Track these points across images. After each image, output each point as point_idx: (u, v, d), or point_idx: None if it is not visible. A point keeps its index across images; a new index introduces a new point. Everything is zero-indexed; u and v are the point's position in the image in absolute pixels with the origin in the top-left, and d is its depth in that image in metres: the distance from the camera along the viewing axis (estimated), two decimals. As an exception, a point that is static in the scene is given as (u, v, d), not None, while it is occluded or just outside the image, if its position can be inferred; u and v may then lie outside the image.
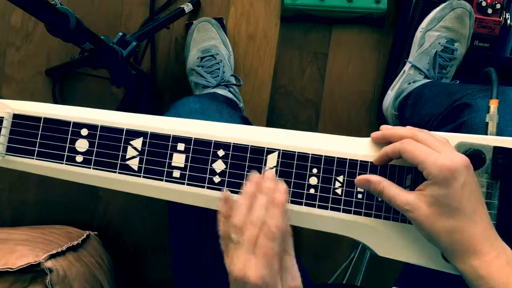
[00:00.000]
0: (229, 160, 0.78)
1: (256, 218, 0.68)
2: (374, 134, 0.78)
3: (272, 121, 1.65)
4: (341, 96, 1.65)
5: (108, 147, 0.79)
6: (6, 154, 0.80)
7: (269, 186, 0.71)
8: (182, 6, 1.54)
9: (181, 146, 0.78)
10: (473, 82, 1.17)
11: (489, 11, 1.46)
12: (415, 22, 1.53)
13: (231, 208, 0.71)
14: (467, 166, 0.68)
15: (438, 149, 0.69)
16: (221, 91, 1.44)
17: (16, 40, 1.65)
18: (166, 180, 0.78)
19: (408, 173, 0.76)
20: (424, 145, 0.70)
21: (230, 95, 1.46)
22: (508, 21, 1.48)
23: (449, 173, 0.66)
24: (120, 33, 1.29)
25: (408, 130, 0.74)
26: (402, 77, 1.48)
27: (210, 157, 0.78)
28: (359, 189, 0.77)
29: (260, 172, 0.77)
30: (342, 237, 0.80)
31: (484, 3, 1.46)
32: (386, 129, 0.77)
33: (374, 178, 0.74)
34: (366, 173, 0.77)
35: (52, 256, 1.17)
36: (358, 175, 0.77)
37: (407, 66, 1.48)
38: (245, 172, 0.78)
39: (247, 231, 0.67)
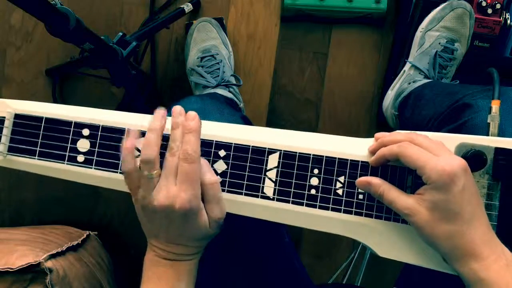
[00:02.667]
0: (230, 161, 0.78)
1: (174, 148, 0.72)
2: (371, 147, 0.77)
3: (272, 121, 1.65)
4: (341, 96, 1.65)
5: (109, 147, 0.78)
6: (7, 154, 0.80)
7: (179, 120, 0.74)
8: (182, 6, 1.54)
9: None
10: (473, 82, 1.17)
11: (489, 11, 1.46)
12: (415, 22, 1.53)
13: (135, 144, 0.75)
14: (465, 169, 0.68)
15: (436, 152, 0.69)
16: (221, 91, 1.44)
17: (16, 40, 1.65)
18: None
19: (409, 174, 0.75)
20: (422, 149, 0.70)
21: (230, 95, 1.46)
22: (508, 21, 1.48)
23: (449, 178, 0.66)
24: (120, 33, 1.29)
25: (405, 135, 0.74)
26: (402, 77, 1.48)
27: (212, 158, 0.78)
28: (360, 190, 0.77)
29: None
30: (342, 237, 0.80)
31: (484, 3, 1.46)
32: (383, 137, 0.76)
33: (375, 180, 0.74)
34: (367, 174, 0.77)
35: (52, 256, 1.18)
36: (359, 176, 0.77)
37: (407, 66, 1.48)
38: (246, 173, 0.78)
39: (167, 161, 0.71)
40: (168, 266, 0.77)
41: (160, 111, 0.76)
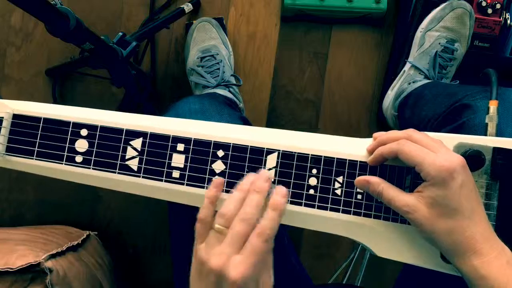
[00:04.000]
0: (229, 161, 0.78)
1: (248, 215, 0.67)
2: (369, 147, 0.77)
3: (272, 121, 1.65)
4: (341, 96, 1.65)
5: (107, 147, 0.79)
6: (5, 154, 0.80)
7: (263, 186, 0.70)
8: (182, 6, 1.54)
9: (180, 147, 0.78)
10: (473, 82, 1.17)
11: (489, 11, 1.46)
12: (415, 22, 1.53)
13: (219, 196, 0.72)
14: (464, 166, 0.68)
15: (434, 149, 0.69)
16: (221, 91, 1.44)
17: (16, 40, 1.65)
18: (165, 181, 0.78)
19: (407, 174, 0.76)
20: (420, 146, 0.70)
21: (230, 95, 1.46)
22: (508, 21, 1.48)
23: (447, 174, 0.66)
24: (120, 33, 1.29)
25: (403, 132, 0.74)
26: (402, 77, 1.48)
27: (210, 158, 0.78)
28: (358, 190, 0.77)
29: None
30: (342, 237, 0.80)
31: (484, 3, 1.46)
32: (380, 136, 0.76)
33: (374, 179, 0.74)
34: (366, 174, 0.77)
35: (52, 256, 1.18)
36: (358, 175, 0.77)
37: (407, 66, 1.48)
38: (245, 173, 0.78)
39: (236, 226, 0.66)
40: None
41: (252, 174, 0.72)
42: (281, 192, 0.70)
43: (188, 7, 1.55)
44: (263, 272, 0.67)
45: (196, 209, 0.78)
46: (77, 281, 1.23)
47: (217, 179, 0.74)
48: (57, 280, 1.14)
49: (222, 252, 0.65)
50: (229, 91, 1.47)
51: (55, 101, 1.61)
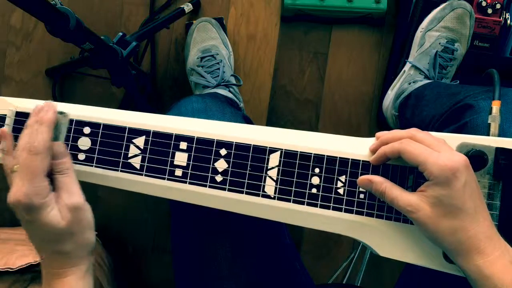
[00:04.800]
0: (231, 159, 0.77)
1: (21, 143, 0.69)
2: (372, 146, 0.77)
3: (272, 121, 1.65)
4: (341, 96, 1.65)
5: (110, 145, 0.78)
6: (8, 152, 0.80)
7: (34, 117, 0.72)
8: (182, 6, 1.54)
9: (183, 145, 0.78)
10: (473, 82, 1.17)
11: (489, 11, 1.46)
12: (415, 22, 1.53)
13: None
14: (467, 165, 0.68)
15: (437, 148, 0.69)
16: (221, 91, 1.44)
17: (16, 40, 1.65)
18: (168, 179, 0.78)
19: (410, 174, 0.75)
20: (423, 145, 0.70)
21: (230, 95, 1.46)
22: (508, 21, 1.48)
23: (451, 173, 0.66)
24: (120, 33, 1.29)
25: (406, 131, 0.74)
26: (402, 77, 1.48)
27: (213, 156, 0.77)
28: (361, 189, 0.77)
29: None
30: (342, 237, 0.80)
31: (484, 3, 1.46)
32: (383, 135, 0.76)
33: (377, 178, 0.74)
34: (368, 173, 0.77)
35: (52, 256, 1.17)
36: (360, 175, 0.77)
37: (407, 66, 1.48)
38: (247, 172, 0.77)
39: (20, 157, 0.68)
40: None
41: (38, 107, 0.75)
42: (46, 108, 0.73)
43: (188, 7, 1.55)
44: (56, 191, 0.70)
45: (198, 208, 0.79)
46: (77, 281, 1.23)
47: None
48: (57, 280, 1.14)
49: (12, 183, 0.68)
50: (229, 91, 1.47)
51: (55, 101, 1.60)
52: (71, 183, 0.72)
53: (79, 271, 0.73)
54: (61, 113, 0.77)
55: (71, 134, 0.79)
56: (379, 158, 0.75)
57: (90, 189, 1.64)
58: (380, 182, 0.73)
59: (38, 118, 0.71)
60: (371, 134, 0.79)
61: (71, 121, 0.79)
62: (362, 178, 0.75)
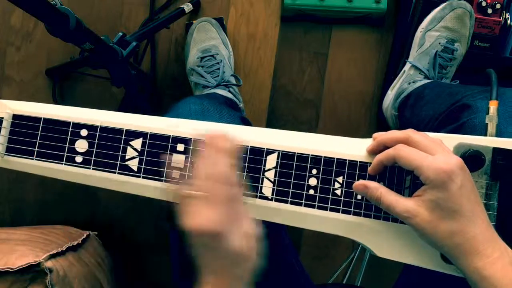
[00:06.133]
0: (229, 161, 0.78)
1: (201, 170, 0.68)
2: (369, 147, 0.77)
3: (272, 121, 1.65)
4: (341, 96, 1.65)
5: (107, 147, 0.79)
6: (5, 154, 0.80)
7: (213, 141, 0.71)
8: (182, 6, 1.54)
9: (180, 147, 0.78)
10: (473, 82, 1.17)
11: (489, 11, 1.46)
12: (415, 22, 1.53)
13: None
14: (463, 167, 0.68)
15: (433, 151, 0.69)
16: (221, 91, 1.44)
17: (16, 40, 1.65)
18: (165, 181, 0.78)
19: (407, 175, 0.76)
20: (417, 150, 0.70)
21: (230, 96, 1.46)
22: (508, 21, 1.48)
23: (446, 176, 0.66)
24: (120, 33, 1.29)
25: (403, 132, 0.74)
26: (402, 77, 1.48)
27: (210, 158, 0.78)
28: (358, 191, 0.77)
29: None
30: (341, 237, 0.80)
31: (484, 3, 1.46)
32: (379, 136, 0.76)
33: (372, 184, 0.74)
34: (366, 174, 0.77)
35: (52, 256, 1.17)
36: (358, 176, 0.77)
37: (407, 66, 1.48)
38: (245, 173, 0.78)
39: (196, 183, 0.68)
40: None
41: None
42: (223, 136, 0.71)
43: (188, 7, 1.55)
44: (237, 220, 0.69)
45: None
46: (77, 281, 1.23)
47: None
48: (57, 280, 1.14)
49: (192, 210, 0.66)
50: (229, 91, 1.47)
51: (55, 101, 1.61)
52: (247, 211, 0.71)
53: None
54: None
55: (68, 137, 0.79)
56: (376, 167, 0.75)
57: (90, 190, 1.65)
58: (375, 188, 0.73)
59: (219, 147, 0.70)
60: (371, 134, 0.79)
61: (67, 123, 0.79)
62: (358, 184, 0.75)
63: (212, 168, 0.68)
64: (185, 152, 0.78)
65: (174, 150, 0.78)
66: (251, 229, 0.70)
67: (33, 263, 1.11)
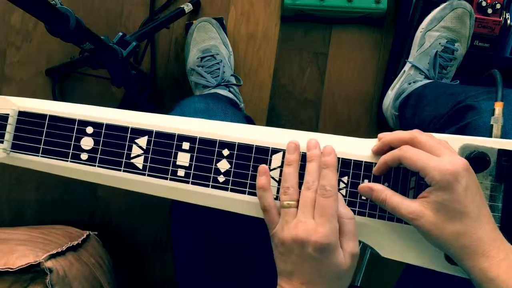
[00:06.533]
0: (234, 160, 0.77)
1: (310, 183, 0.72)
2: (374, 147, 0.77)
3: (272, 121, 1.65)
4: (341, 96, 1.65)
5: (113, 145, 0.78)
6: (11, 151, 0.80)
7: (315, 153, 0.75)
8: (182, 6, 1.54)
9: (186, 145, 0.78)
10: (473, 82, 1.17)
11: (489, 11, 1.47)
12: (415, 22, 1.53)
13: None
14: (468, 168, 0.68)
15: (438, 152, 0.69)
16: (221, 91, 1.44)
17: (16, 40, 1.65)
18: (170, 179, 0.78)
19: (412, 176, 0.75)
20: (423, 151, 0.70)
21: (230, 96, 1.46)
22: (508, 21, 1.48)
23: (452, 177, 0.66)
24: (120, 33, 1.29)
25: (409, 132, 0.74)
26: (402, 77, 1.48)
27: (215, 157, 0.77)
28: (363, 191, 0.77)
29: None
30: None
31: (484, 3, 1.46)
32: (385, 136, 0.76)
33: (377, 186, 0.74)
34: (371, 174, 0.77)
35: (52, 256, 1.17)
36: (363, 176, 0.77)
37: (407, 66, 1.48)
38: (250, 172, 0.77)
39: (304, 195, 0.71)
40: None
41: (292, 144, 0.77)
42: (327, 150, 0.75)
43: (188, 7, 1.55)
44: (339, 235, 0.72)
45: (200, 207, 0.79)
46: (77, 281, 1.23)
47: (262, 167, 0.77)
48: (57, 280, 1.14)
49: (298, 222, 0.70)
50: (229, 91, 1.47)
51: (55, 101, 1.61)
52: (352, 230, 0.74)
53: None
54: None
55: (74, 134, 0.79)
56: (381, 168, 0.75)
57: (90, 189, 1.64)
58: (381, 190, 0.73)
59: (324, 161, 0.74)
60: (371, 134, 0.79)
61: (73, 120, 0.79)
62: (363, 186, 0.75)
63: (324, 182, 0.72)
64: (190, 150, 0.78)
65: (179, 149, 0.78)
66: (355, 248, 0.73)
67: (33, 263, 1.11)
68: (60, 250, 1.22)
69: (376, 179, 0.77)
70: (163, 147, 0.78)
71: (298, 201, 0.72)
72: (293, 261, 0.71)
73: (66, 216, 1.66)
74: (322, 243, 0.68)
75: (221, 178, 0.78)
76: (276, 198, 0.76)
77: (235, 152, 0.78)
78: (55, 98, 1.61)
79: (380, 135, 0.77)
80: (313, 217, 0.70)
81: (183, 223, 0.93)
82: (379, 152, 0.76)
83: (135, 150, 0.78)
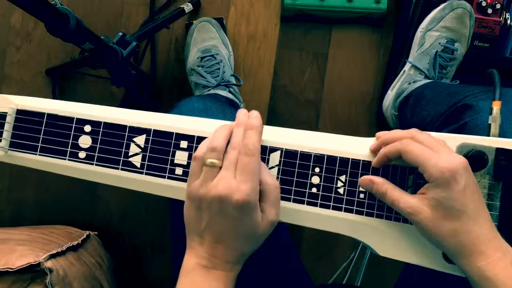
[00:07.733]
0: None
1: (236, 144, 0.71)
2: (372, 146, 0.77)
3: (272, 121, 1.65)
4: (341, 96, 1.65)
5: (111, 143, 0.79)
6: (9, 149, 0.80)
7: (242, 119, 0.75)
8: (182, 6, 1.54)
9: (184, 144, 0.78)
10: (473, 82, 1.17)
11: (489, 11, 1.46)
12: (415, 22, 1.53)
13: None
14: (466, 167, 0.68)
15: (437, 150, 0.69)
16: (221, 92, 1.44)
17: (16, 40, 1.65)
18: (168, 177, 0.78)
19: (410, 174, 0.76)
20: (423, 146, 0.70)
21: (230, 96, 1.46)
22: (508, 21, 1.48)
23: (450, 175, 0.66)
24: (120, 33, 1.29)
25: (407, 131, 0.74)
26: (402, 77, 1.48)
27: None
28: (361, 189, 0.77)
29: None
30: (342, 237, 0.80)
31: (484, 3, 1.46)
32: (383, 135, 0.76)
33: (378, 179, 0.74)
34: (369, 173, 0.77)
35: (52, 256, 1.17)
36: (361, 175, 0.77)
37: (407, 66, 1.48)
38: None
39: (229, 154, 0.70)
40: (204, 276, 0.73)
41: (243, 111, 0.78)
42: (252, 114, 0.76)
43: (188, 7, 1.55)
44: (262, 201, 0.72)
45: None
46: (77, 281, 1.23)
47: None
48: (57, 280, 1.14)
49: (221, 178, 0.69)
50: (229, 91, 1.47)
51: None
52: (278, 198, 0.74)
53: (236, 272, 0.75)
54: None
55: (72, 132, 0.79)
56: (380, 160, 0.75)
57: (90, 189, 1.64)
58: (381, 183, 0.73)
59: (251, 124, 0.74)
60: (371, 134, 0.79)
61: (71, 119, 0.79)
62: (364, 178, 0.75)
63: (247, 141, 0.71)
64: (188, 149, 0.78)
65: (177, 147, 0.78)
66: (276, 216, 0.73)
67: (33, 263, 1.11)
68: (60, 250, 1.23)
69: (374, 174, 0.77)
70: (161, 145, 0.78)
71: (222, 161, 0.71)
72: (209, 218, 0.71)
73: (66, 216, 1.66)
74: (244, 200, 0.67)
75: (219, 177, 0.78)
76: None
77: (233, 150, 0.78)
78: (55, 98, 1.61)
79: (378, 134, 0.78)
80: (235, 176, 0.69)
81: (181, 221, 0.93)
82: (377, 151, 0.76)
83: (133, 149, 0.79)
